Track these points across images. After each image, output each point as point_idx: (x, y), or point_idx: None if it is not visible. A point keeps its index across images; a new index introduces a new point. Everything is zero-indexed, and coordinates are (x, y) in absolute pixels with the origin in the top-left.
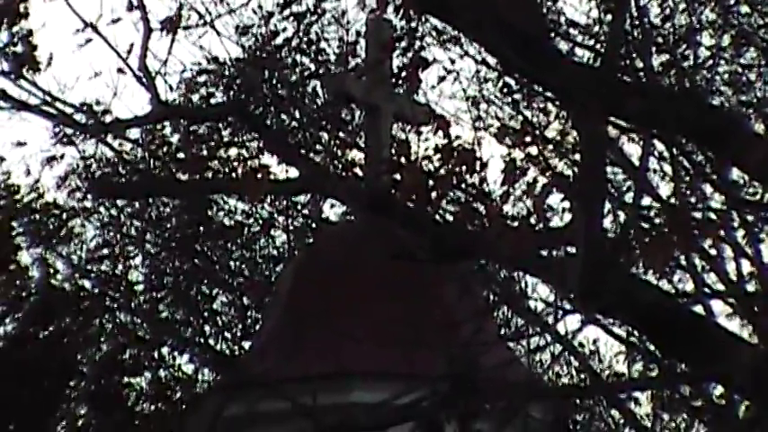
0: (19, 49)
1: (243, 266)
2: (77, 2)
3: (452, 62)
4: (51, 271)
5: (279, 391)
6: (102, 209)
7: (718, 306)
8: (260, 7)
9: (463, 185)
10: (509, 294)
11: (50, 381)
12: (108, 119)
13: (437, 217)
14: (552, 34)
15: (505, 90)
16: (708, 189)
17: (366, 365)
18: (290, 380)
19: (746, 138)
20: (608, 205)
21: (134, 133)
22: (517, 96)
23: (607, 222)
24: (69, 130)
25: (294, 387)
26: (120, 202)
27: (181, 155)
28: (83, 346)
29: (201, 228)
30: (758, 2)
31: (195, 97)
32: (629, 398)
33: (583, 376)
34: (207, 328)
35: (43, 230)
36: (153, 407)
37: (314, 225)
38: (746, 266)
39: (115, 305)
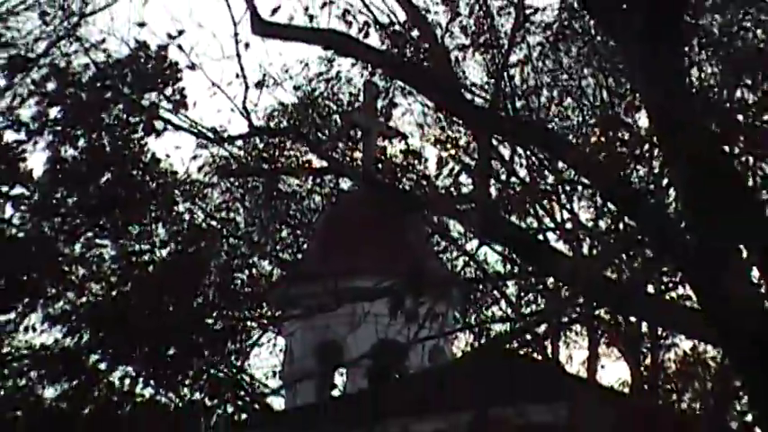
0: (177, 97)
1: (297, 214)
2: (209, 71)
3: (409, 104)
4: (194, 216)
5: (316, 281)
6: (222, 183)
7: (552, 236)
8: (306, 74)
9: (414, 171)
10: (440, 230)
11: (194, 277)
12: (225, 135)
13: (401, 188)
14: (462, 90)
15: (437, 119)
16: (546, 173)
17: (363, 268)
18: (323, 275)
19: (566, 145)
20: (493, 181)
21: (239, 143)
22: (444, 123)
23: (493, 190)
24: (204, 141)
25: (325, 279)
26: (232, 180)
27: (264, 154)
28: (211, 256)
29: (275, 192)
30: (573, 70)
31: (272, 123)
32: (504, 285)
33: (479, 273)
34: (278, 246)
35: (190, 194)
36: (250, 289)
37: (335, 193)
38: (566, 215)
39: (229, 234)
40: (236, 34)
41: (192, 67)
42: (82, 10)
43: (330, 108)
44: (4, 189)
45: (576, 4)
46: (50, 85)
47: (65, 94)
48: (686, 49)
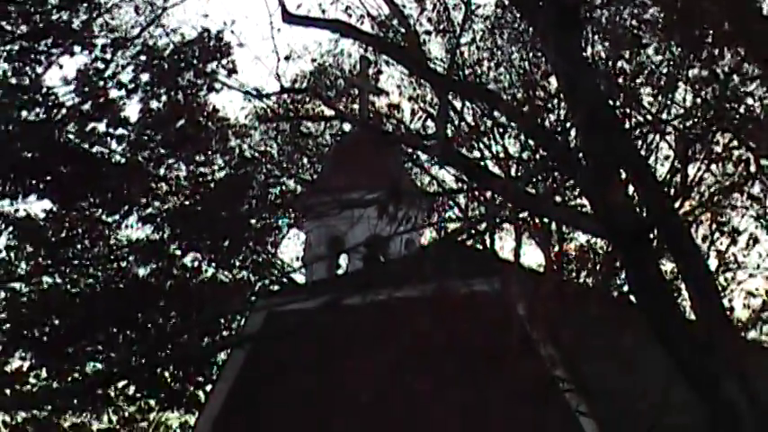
0: (230, 66)
1: (313, 148)
2: (253, 47)
3: (391, 72)
4: (242, 149)
5: (327, 192)
6: (261, 126)
7: (490, 163)
8: (320, 50)
9: (395, 118)
10: (412, 158)
11: (242, 191)
12: (263, 92)
13: (385, 130)
14: (427, 61)
15: (411, 82)
16: (486, 119)
17: (359, 184)
18: (332, 189)
19: (499, 99)
20: (449, 125)
21: (273, 98)
22: (415, 85)
23: (449, 131)
24: (249, 97)
25: (333, 192)
26: (268, 124)
27: (290, 106)
28: (254, 177)
29: (298, 133)
30: (505, 48)
31: (296, 85)
32: (456, 196)
33: (439, 188)
34: (300, 170)
35: (238, 134)
36: (281, 200)
37: (340, 133)
38: (500, 148)
39: (266, 162)
40: (270, 22)
41: (241, 45)
42: (164, 4)
43: (336, 74)
44: (111, 130)
45: (507, 2)
46: (142, 58)
47: (152, 64)
48: (583, 32)
